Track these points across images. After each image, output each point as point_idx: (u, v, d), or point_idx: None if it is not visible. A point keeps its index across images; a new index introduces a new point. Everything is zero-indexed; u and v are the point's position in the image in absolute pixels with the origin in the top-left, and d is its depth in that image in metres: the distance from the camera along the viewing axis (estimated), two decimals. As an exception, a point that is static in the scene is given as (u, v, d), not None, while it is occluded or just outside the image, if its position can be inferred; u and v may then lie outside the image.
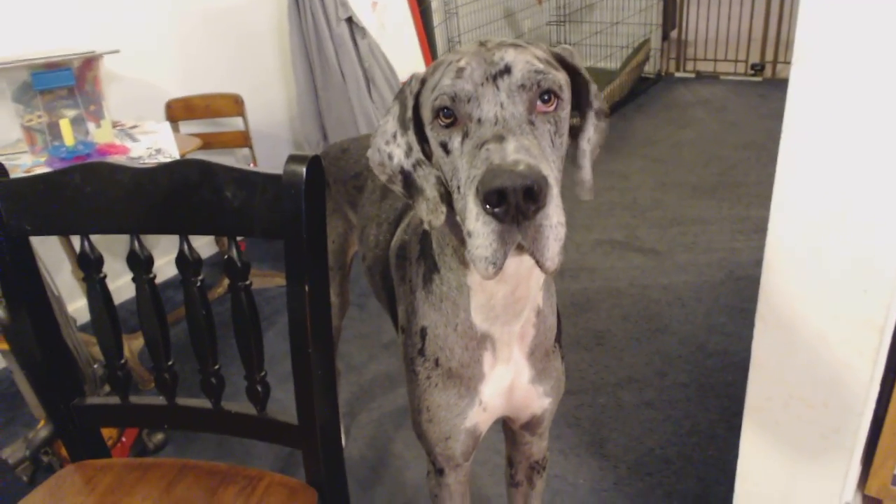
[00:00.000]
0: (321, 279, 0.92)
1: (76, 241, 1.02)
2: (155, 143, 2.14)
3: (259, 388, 1.01)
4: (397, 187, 0.85)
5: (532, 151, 0.68)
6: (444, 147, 0.77)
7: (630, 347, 2.24)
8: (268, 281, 2.85)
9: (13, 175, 1.02)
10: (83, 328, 2.50)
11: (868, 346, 1.00)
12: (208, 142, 2.66)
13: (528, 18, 5.01)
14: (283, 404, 1.98)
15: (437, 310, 0.95)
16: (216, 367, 1.03)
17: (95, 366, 1.81)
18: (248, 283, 0.96)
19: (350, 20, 2.89)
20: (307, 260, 0.88)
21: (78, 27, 2.53)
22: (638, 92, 4.90)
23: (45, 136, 2.11)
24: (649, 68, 5.15)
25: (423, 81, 0.81)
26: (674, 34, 5.25)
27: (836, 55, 0.88)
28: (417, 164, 0.82)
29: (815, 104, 0.92)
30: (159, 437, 1.97)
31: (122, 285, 2.65)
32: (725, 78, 5.14)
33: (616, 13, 4.97)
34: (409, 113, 0.82)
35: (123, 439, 1.88)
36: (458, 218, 0.78)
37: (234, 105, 2.81)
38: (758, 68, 5.01)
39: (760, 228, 2.89)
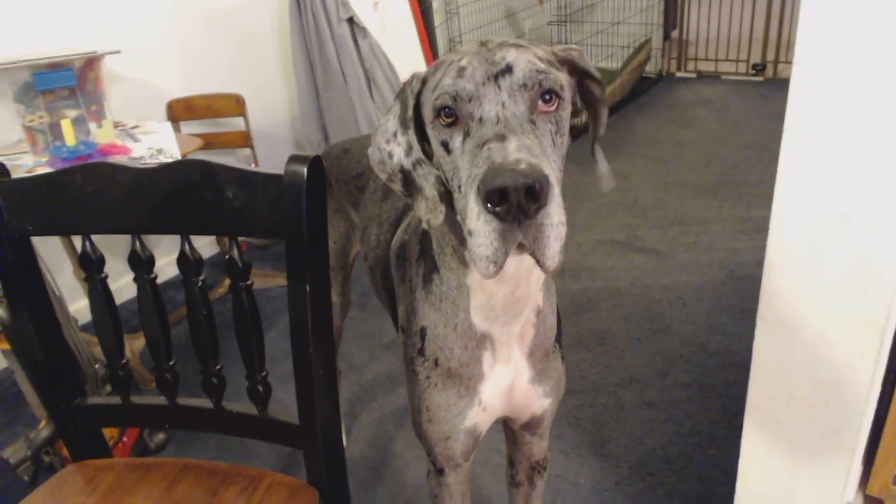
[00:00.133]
0: (322, 279, 0.92)
1: (77, 241, 1.02)
2: (156, 144, 2.15)
3: (260, 388, 1.01)
4: (397, 186, 0.85)
5: (533, 150, 0.68)
6: (445, 146, 0.77)
7: (631, 347, 2.24)
8: (269, 281, 2.86)
9: (15, 175, 1.02)
10: (84, 328, 2.51)
11: (869, 346, 1.00)
12: (209, 142, 2.67)
13: (528, 18, 5.01)
14: (285, 404, 1.98)
15: (437, 310, 0.95)
16: (217, 367, 1.03)
17: (97, 366, 1.81)
18: (249, 283, 0.96)
19: (351, 20, 2.89)
20: (308, 260, 0.89)
21: (79, 27, 2.54)
22: (639, 92, 4.90)
23: (47, 136, 2.11)
24: (650, 68, 5.15)
25: (425, 81, 0.82)
26: (675, 34, 5.24)
27: (837, 55, 0.88)
28: (417, 163, 0.82)
29: (816, 104, 0.92)
30: (160, 436, 1.97)
31: (123, 285, 2.65)
32: (727, 78, 5.14)
33: (617, 13, 4.97)
34: (410, 112, 0.82)
35: (125, 439, 1.88)
36: (458, 217, 0.78)
37: (236, 105, 2.81)
38: (759, 68, 5.01)
39: (762, 228, 2.89)
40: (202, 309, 0.99)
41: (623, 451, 1.82)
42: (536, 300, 0.95)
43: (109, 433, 1.81)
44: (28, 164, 2.02)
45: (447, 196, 0.81)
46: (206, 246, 3.18)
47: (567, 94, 0.79)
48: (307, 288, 0.89)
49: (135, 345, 2.31)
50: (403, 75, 3.12)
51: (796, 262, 1.02)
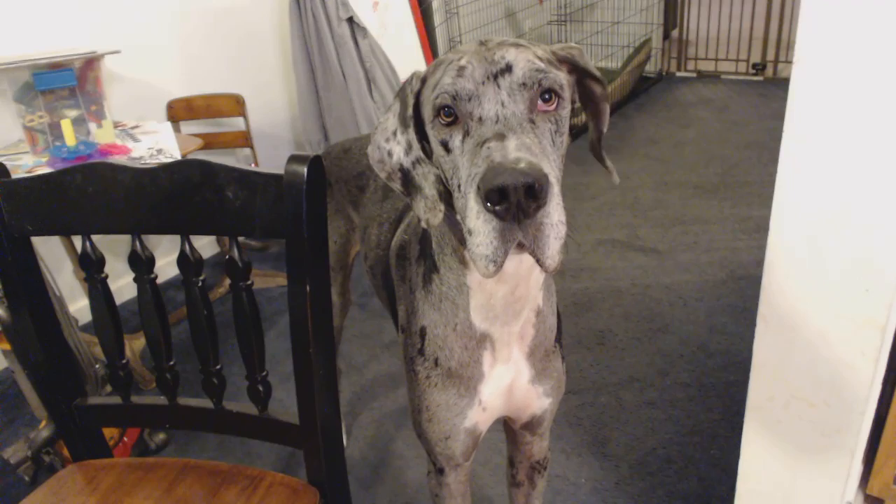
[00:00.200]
0: (322, 279, 0.92)
1: (78, 241, 1.02)
2: (156, 144, 2.15)
3: (260, 388, 1.01)
4: (396, 185, 0.85)
5: (533, 150, 0.68)
6: (445, 145, 0.77)
7: (631, 347, 2.24)
8: (269, 281, 2.86)
9: (14, 175, 1.02)
10: (85, 328, 2.51)
11: (870, 346, 1.00)
12: (209, 142, 2.67)
13: (528, 18, 5.01)
14: (285, 404, 1.98)
15: (437, 309, 0.95)
16: (218, 366, 1.03)
17: (97, 366, 1.81)
18: (249, 282, 0.96)
19: (351, 20, 2.89)
20: (308, 260, 0.88)
21: (79, 27, 2.54)
22: (639, 91, 4.90)
23: (47, 136, 2.11)
24: (650, 68, 5.15)
25: (424, 80, 0.81)
26: (675, 34, 5.24)
27: (837, 55, 0.88)
28: (417, 161, 0.82)
29: (816, 104, 0.92)
30: (161, 436, 1.97)
31: (123, 285, 2.65)
32: (726, 77, 5.14)
33: (617, 13, 4.97)
34: (410, 111, 0.82)
35: (125, 439, 1.88)
36: (458, 217, 0.78)
37: (236, 105, 2.81)
38: (759, 68, 5.01)
39: (762, 228, 2.89)
40: (202, 309, 0.99)
41: (623, 450, 1.82)
42: (536, 300, 0.95)
43: (110, 433, 1.81)
44: (28, 164, 2.02)
45: (446, 195, 0.81)
46: (206, 246, 3.18)
47: (567, 94, 0.79)
48: (307, 288, 0.89)
49: (135, 345, 2.31)
50: (403, 75, 3.12)
51: (796, 262, 1.02)
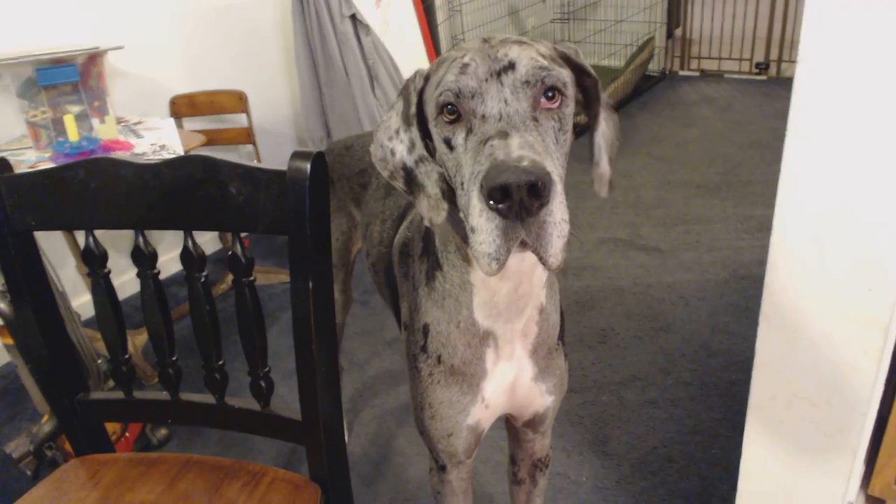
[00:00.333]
0: (325, 275, 0.92)
1: (80, 236, 1.02)
2: (159, 140, 2.15)
3: (263, 384, 1.01)
4: (399, 183, 0.85)
5: (536, 148, 0.68)
6: (448, 143, 0.77)
7: (633, 346, 2.24)
8: (272, 277, 2.86)
9: (18, 171, 1.02)
10: (87, 323, 2.51)
11: (872, 346, 1.00)
12: (212, 138, 2.67)
13: (531, 16, 5.00)
14: (287, 400, 1.98)
15: (440, 307, 0.95)
16: (220, 362, 1.03)
17: (99, 361, 1.81)
18: (251, 278, 0.96)
19: (354, 17, 2.88)
20: (311, 256, 0.89)
21: (82, 23, 2.54)
22: (642, 90, 4.89)
23: (50, 131, 2.11)
24: (653, 66, 5.14)
25: (427, 78, 0.81)
26: (678, 32, 5.23)
27: (841, 54, 0.88)
28: (420, 160, 0.82)
29: (819, 103, 0.92)
30: (163, 432, 1.98)
31: (126, 281, 2.65)
32: (730, 76, 5.13)
33: (620, 11, 4.96)
34: (413, 109, 0.82)
35: (127, 434, 1.89)
36: (461, 214, 0.78)
37: (238, 102, 2.81)
38: (762, 67, 5.00)
39: (764, 227, 2.89)
40: (205, 304, 0.99)
41: (625, 449, 1.82)
42: (539, 297, 0.95)
43: (112, 428, 1.81)
44: (31, 159, 2.02)
45: (449, 194, 0.81)
46: (208, 242, 3.18)
47: (570, 91, 0.79)
48: (310, 284, 0.89)
49: (137, 340, 2.31)
50: (406, 72, 3.12)
51: (799, 261, 1.02)
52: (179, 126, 2.74)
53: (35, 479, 1.79)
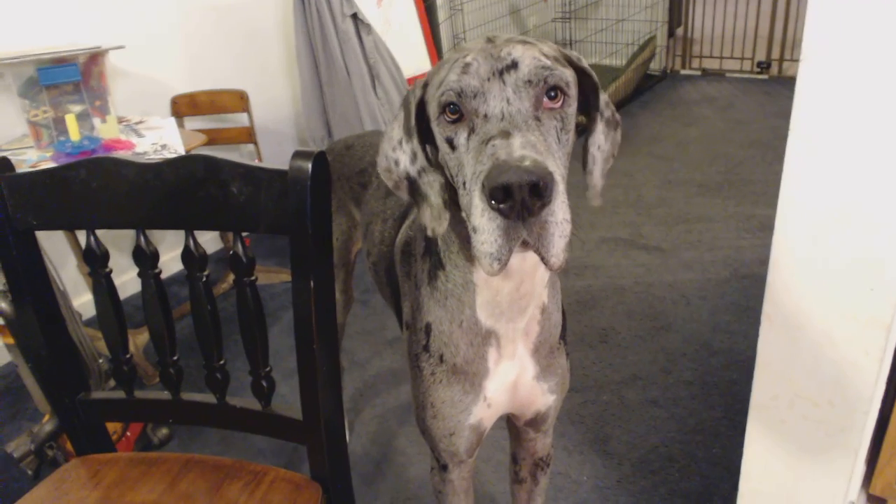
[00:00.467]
0: (326, 275, 0.92)
1: (82, 235, 1.02)
2: (160, 139, 2.15)
3: (264, 384, 1.01)
4: (403, 193, 0.86)
5: (538, 147, 0.68)
6: (450, 143, 0.77)
7: (634, 345, 2.24)
8: (273, 277, 2.86)
9: (19, 170, 1.02)
10: (89, 323, 2.51)
11: (874, 345, 1.00)
12: (213, 138, 2.67)
13: (533, 15, 5.00)
14: (288, 400, 1.98)
15: (442, 306, 0.95)
16: (221, 362, 1.03)
17: (100, 360, 1.81)
18: (253, 278, 0.96)
19: (355, 16, 2.88)
20: (312, 255, 0.88)
21: (83, 22, 2.54)
22: (643, 89, 4.89)
23: (51, 131, 2.11)
24: (655, 66, 5.13)
25: (426, 85, 0.82)
26: (679, 31, 5.23)
27: (844, 53, 0.87)
28: (422, 170, 0.83)
29: (822, 102, 0.91)
30: (164, 431, 1.98)
31: (127, 280, 2.66)
32: (731, 76, 5.12)
33: (622, 10, 4.96)
34: (413, 121, 0.82)
35: (128, 434, 1.89)
36: (463, 214, 0.78)
37: (239, 101, 2.81)
38: (764, 66, 4.99)
39: (766, 226, 2.89)
40: (206, 304, 0.99)
41: (625, 448, 1.82)
42: (542, 297, 0.95)
43: (113, 428, 1.81)
44: (32, 158, 2.02)
45: (451, 204, 0.82)
46: (209, 241, 3.18)
47: (573, 91, 0.78)
48: (311, 284, 0.89)
49: (138, 340, 2.31)
50: (407, 72, 3.12)
51: (801, 261, 1.02)
52: (181, 125, 2.74)
53: (36, 479, 1.79)
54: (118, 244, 2.58)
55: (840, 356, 1.04)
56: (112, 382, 1.82)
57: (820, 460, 1.15)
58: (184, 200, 0.93)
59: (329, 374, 0.96)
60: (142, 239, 0.99)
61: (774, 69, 4.98)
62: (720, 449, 1.79)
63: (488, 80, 0.73)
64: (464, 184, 0.75)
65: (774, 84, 4.86)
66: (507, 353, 0.97)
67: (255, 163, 0.90)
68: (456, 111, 0.75)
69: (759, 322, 1.10)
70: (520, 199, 0.64)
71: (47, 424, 1.78)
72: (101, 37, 2.43)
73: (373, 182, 1.37)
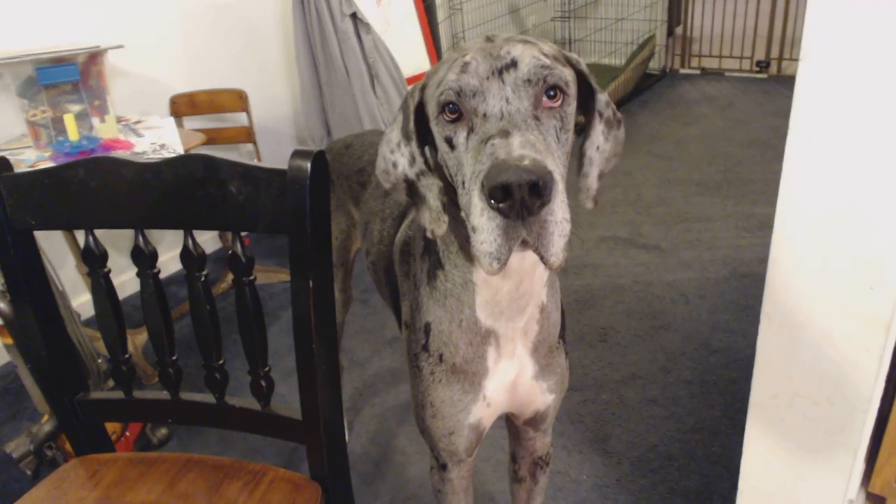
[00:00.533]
0: (325, 274, 0.92)
1: (80, 235, 1.02)
2: (159, 139, 2.15)
3: (263, 383, 1.01)
4: (400, 195, 0.86)
5: (537, 147, 0.68)
6: (449, 142, 0.76)
7: (634, 344, 2.24)
8: (272, 277, 2.86)
9: (17, 170, 1.02)
10: (87, 323, 2.51)
11: (874, 344, 1.00)
12: (212, 137, 2.66)
13: (532, 14, 5.00)
14: (287, 399, 1.98)
15: (442, 306, 0.95)
16: (220, 361, 1.03)
17: (99, 360, 1.81)
18: (252, 277, 0.96)
19: (354, 16, 2.88)
20: (311, 255, 0.88)
21: (82, 22, 2.54)
22: (642, 88, 4.89)
23: (50, 130, 2.11)
24: (654, 65, 5.13)
25: (424, 87, 0.82)
26: (679, 30, 5.23)
27: (844, 52, 0.87)
28: (421, 173, 0.83)
29: (821, 101, 0.91)
30: (163, 431, 1.98)
31: (126, 280, 2.65)
32: (730, 75, 5.12)
33: (621, 9, 4.96)
34: (411, 124, 0.82)
35: (127, 434, 1.89)
36: (462, 214, 0.78)
37: (238, 100, 2.81)
38: (763, 65, 4.99)
39: (765, 225, 2.89)
40: (205, 303, 0.99)
41: (625, 447, 1.82)
42: (540, 296, 0.95)
43: (112, 428, 1.81)
44: (31, 158, 2.02)
45: (450, 207, 0.82)
46: (208, 241, 3.18)
47: (572, 90, 0.78)
48: (310, 283, 0.89)
49: (137, 340, 2.31)
50: (406, 71, 3.11)
51: (801, 259, 1.01)
52: (179, 125, 2.74)
53: (35, 479, 1.79)
54: (117, 244, 2.58)
55: (839, 355, 1.04)
56: (111, 382, 1.82)
57: (819, 459, 1.15)
58: (182, 200, 0.93)
59: (328, 374, 0.96)
60: (140, 238, 0.99)
61: (774, 68, 4.98)
62: (719, 447, 1.79)
63: (487, 78, 0.73)
64: (463, 183, 0.75)
65: (773, 83, 4.86)
66: (506, 353, 0.97)
67: (254, 162, 0.90)
68: (455, 110, 0.75)
69: (758, 321, 1.10)
70: (519, 198, 0.64)
71: (46, 425, 1.78)
72: (100, 36, 2.43)
73: (372, 181, 1.37)
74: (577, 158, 0.87)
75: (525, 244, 0.68)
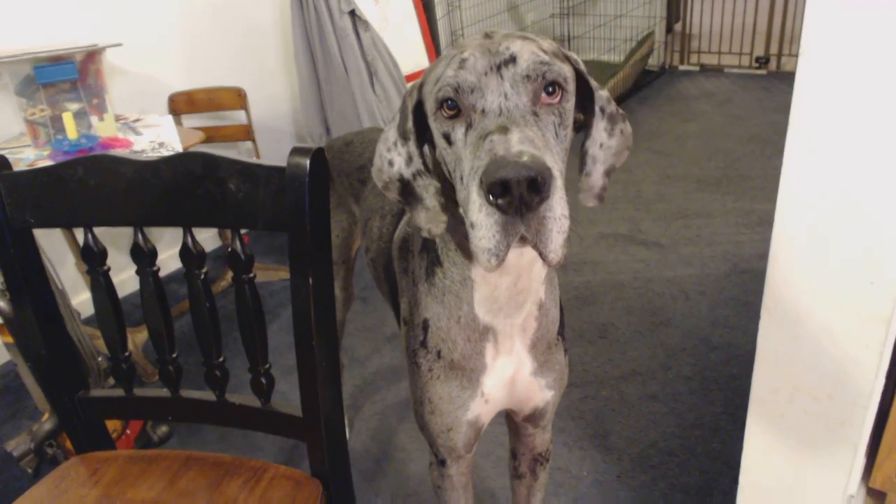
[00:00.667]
0: (325, 271, 0.92)
1: (80, 233, 1.02)
2: (158, 137, 2.14)
3: (263, 381, 1.01)
4: (392, 194, 0.86)
5: (536, 143, 0.68)
6: (447, 138, 0.76)
7: (634, 340, 2.24)
8: (271, 275, 2.86)
9: (16, 169, 1.01)
10: (87, 321, 2.51)
11: (874, 339, 1.00)
12: (211, 135, 2.66)
13: (531, 11, 4.99)
14: (287, 397, 1.98)
15: (440, 302, 0.95)
16: (220, 359, 1.03)
17: (99, 359, 1.81)
18: (251, 275, 0.96)
19: (353, 13, 2.88)
20: (311, 252, 0.88)
21: (80, 20, 2.53)
22: (641, 85, 4.89)
23: (49, 129, 2.11)
24: (653, 61, 5.13)
25: (422, 87, 0.82)
26: (678, 27, 5.22)
27: (844, 46, 0.87)
28: (418, 173, 0.83)
29: (821, 96, 0.91)
30: (163, 429, 1.98)
31: (126, 279, 2.65)
32: (730, 71, 5.12)
33: (620, 6, 4.95)
34: (409, 123, 0.82)
35: (128, 431, 1.89)
36: (460, 210, 0.78)
37: (237, 99, 2.80)
38: (762, 61, 4.99)
39: (765, 221, 2.89)
40: (205, 301, 0.99)
41: (625, 443, 1.82)
42: (539, 293, 0.94)
43: (112, 426, 1.81)
44: (30, 157, 2.01)
45: (448, 206, 0.82)
46: (208, 240, 3.18)
47: (571, 87, 0.78)
48: (310, 280, 0.89)
49: (137, 338, 2.31)
50: (405, 68, 3.11)
51: (801, 255, 1.01)
52: (178, 123, 2.74)
53: (36, 478, 1.79)
54: (116, 242, 2.58)
55: (840, 350, 1.04)
56: (111, 380, 1.82)
57: (820, 454, 1.15)
58: (182, 198, 0.93)
59: (328, 371, 0.96)
60: (140, 236, 0.99)
61: (773, 64, 4.98)
62: (720, 443, 1.79)
63: (485, 74, 0.73)
64: (461, 178, 0.75)
65: (773, 79, 4.86)
66: (504, 349, 0.97)
67: (253, 160, 0.90)
68: (453, 107, 0.75)
69: (758, 317, 1.10)
70: (518, 194, 0.64)
71: (47, 423, 1.78)
72: (99, 35, 2.43)
73: (372, 178, 1.37)
74: (579, 157, 0.87)
75: (524, 240, 0.68)
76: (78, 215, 0.99)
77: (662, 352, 2.17)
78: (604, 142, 0.85)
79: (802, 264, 1.02)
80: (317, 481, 1.03)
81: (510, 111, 0.72)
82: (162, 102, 2.81)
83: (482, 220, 0.68)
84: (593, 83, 0.84)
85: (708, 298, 2.42)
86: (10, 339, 1.65)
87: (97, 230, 1.01)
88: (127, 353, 1.09)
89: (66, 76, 2.11)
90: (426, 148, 0.86)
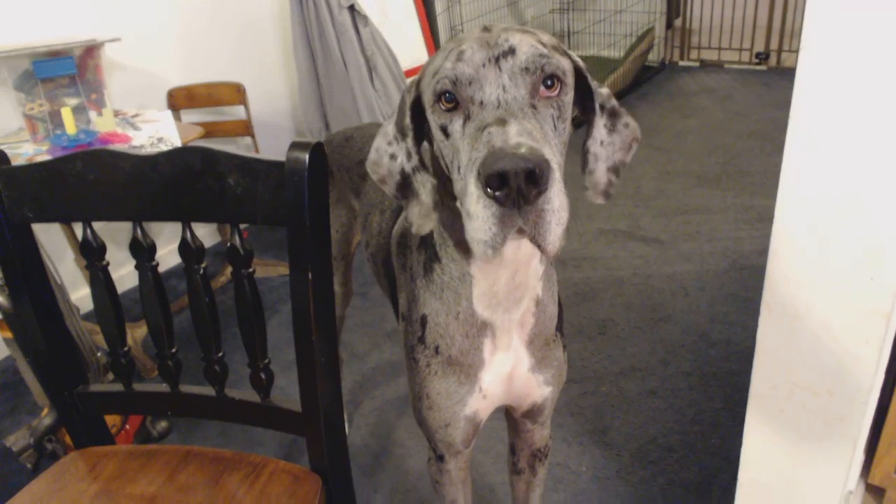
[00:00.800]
0: (324, 266, 0.92)
1: (78, 228, 1.01)
2: (157, 132, 2.14)
3: (263, 376, 1.01)
4: (388, 188, 0.86)
5: (534, 135, 0.68)
6: (445, 130, 0.76)
7: (633, 336, 2.24)
8: (270, 270, 2.86)
9: (14, 164, 1.01)
10: (86, 316, 2.51)
11: (874, 335, 1.00)
12: (210, 130, 2.66)
13: (531, 6, 4.98)
14: (287, 392, 1.98)
15: (438, 298, 0.95)
16: (220, 354, 1.03)
17: (99, 354, 1.81)
18: (251, 270, 0.96)
19: (352, 8, 2.87)
20: (310, 247, 0.88)
21: (79, 15, 2.52)
22: (641, 81, 4.88)
23: (47, 124, 2.11)
24: (653, 57, 5.12)
25: (420, 82, 0.81)
26: (678, 22, 5.21)
27: (845, 42, 0.87)
28: (415, 169, 0.83)
29: (822, 91, 0.91)
30: (163, 424, 1.98)
31: (125, 274, 2.65)
32: (730, 67, 5.11)
33: (619, 1, 4.94)
34: (407, 119, 0.82)
35: (127, 427, 1.89)
36: (457, 203, 0.78)
37: (236, 94, 2.80)
38: (762, 57, 4.98)
39: (764, 217, 2.89)
40: (204, 296, 0.99)
41: (624, 439, 1.82)
42: (536, 289, 0.94)
43: (112, 421, 1.81)
44: (28, 152, 2.01)
45: (439, 205, 0.83)
46: (207, 235, 3.18)
47: (570, 80, 0.78)
48: (309, 275, 0.89)
49: (136, 333, 2.31)
50: (405, 63, 3.11)
51: (801, 251, 1.01)
52: (177, 118, 2.73)
53: (35, 472, 1.79)
54: (115, 238, 2.58)
55: (839, 346, 1.04)
56: (110, 376, 1.82)
57: (819, 450, 1.15)
58: (181, 192, 0.93)
59: (328, 366, 0.96)
60: (139, 231, 0.99)
61: (773, 60, 4.97)
62: (719, 439, 1.79)
63: (483, 66, 0.73)
64: (458, 168, 0.74)
65: (773, 75, 4.85)
66: (502, 345, 0.97)
67: (252, 154, 0.90)
68: (451, 99, 0.75)
69: (757, 313, 1.10)
70: (515, 186, 0.64)
71: (46, 418, 1.78)
72: (97, 29, 2.42)
73: (372, 174, 1.37)
74: (581, 156, 0.87)
75: (521, 232, 0.68)
76: (77, 210, 0.98)
77: (662, 348, 2.17)
78: (604, 139, 0.85)
79: (802, 260, 1.02)
80: (316, 476, 1.03)
81: (508, 103, 0.71)
82: (161, 97, 2.80)
83: (479, 211, 0.67)
84: (592, 81, 0.84)
85: (707, 294, 2.42)
86: (9, 335, 1.65)
87: (96, 225, 1.01)
88: (126, 349, 1.09)
89: (64, 71, 2.10)
90: (424, 145, 0.86)
